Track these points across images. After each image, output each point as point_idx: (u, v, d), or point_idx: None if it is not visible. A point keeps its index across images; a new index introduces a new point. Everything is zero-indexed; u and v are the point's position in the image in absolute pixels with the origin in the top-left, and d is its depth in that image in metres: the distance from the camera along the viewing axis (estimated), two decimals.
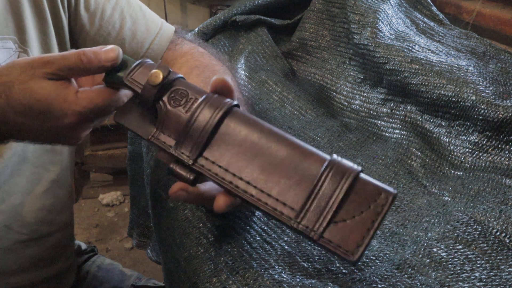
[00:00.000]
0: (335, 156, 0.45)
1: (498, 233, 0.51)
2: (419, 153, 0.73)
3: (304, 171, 0.44)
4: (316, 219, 0.43)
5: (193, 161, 0.47)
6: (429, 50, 0.86)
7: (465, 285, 0.47)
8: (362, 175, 0.43)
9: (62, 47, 0.75)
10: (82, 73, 0.52)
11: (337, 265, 0.51)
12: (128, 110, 0.52)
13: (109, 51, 0.51)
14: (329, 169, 0.43)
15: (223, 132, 0.48)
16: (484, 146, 0.68)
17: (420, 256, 0.50)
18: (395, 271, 0.49)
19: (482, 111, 0.68)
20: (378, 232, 0.59)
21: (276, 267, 0.50)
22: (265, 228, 0.56)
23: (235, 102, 0.49)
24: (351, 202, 0.42)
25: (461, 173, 0.67)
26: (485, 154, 0.68)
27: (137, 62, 0.51)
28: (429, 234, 0.54)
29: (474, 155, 0.68)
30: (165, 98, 0.49)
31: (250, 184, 0.46)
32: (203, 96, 0.49)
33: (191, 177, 0.48)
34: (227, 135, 0.48)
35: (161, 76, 0.49)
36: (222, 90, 0.49)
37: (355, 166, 0.44)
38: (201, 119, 0.47)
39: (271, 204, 0.45)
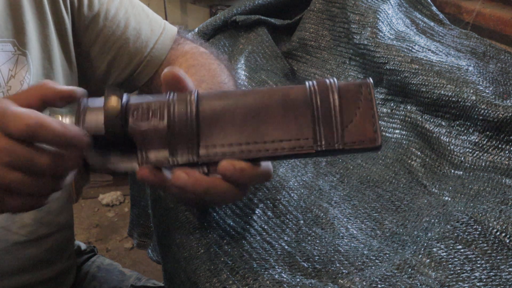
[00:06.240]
0: (309, 82, 0.48)
1: (498, 233, 0.51)
2: (419, 153, 0.73)
3: (294, 105, 0.47)
4: (331, 134, 0.47)
5: (197, 157, 0.47)
6: (429, 50, 0.86)
7: (465, 285, 0.46)
8: (339, 82, 0.48)
9: (64, 49, 0.74)
10: None
11: (337, 265, 0.51)
12: (100, 160, 0.48)
13: None
14: (314, 92, 0.47)
15: (204, 116, 0.47)
16: (484, 146, 0.68)
17: (420, 256, 0.50)
18: (395, 271, 0.49)
19: (482, 111, 0.68)
20: (378, 232, 0.58)
21: (276, 267, 0.50)
22: (265, 228, 0.56)
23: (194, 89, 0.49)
24: (346, 106, 0.47)
25: (461, 172, 0.67)
26: (485, 154, 0.68)
27: (66, 110, 0.49)
28: (429, 234, 0.54)
29: (474, 155, 0.68)
30: (131, 121, 0.47)
31: (258, 142, 0.47)
32: (166, 98, 0.48)
33: (206, 170, 0.48)
34: (210, 116, 0.47)
35: (117, 102, 0.46)
36: (173, 82, 0.49)
37: (332, 80, 0.48)
38: (181, 114, 0.47)
39: (288, 147, 0.47)
